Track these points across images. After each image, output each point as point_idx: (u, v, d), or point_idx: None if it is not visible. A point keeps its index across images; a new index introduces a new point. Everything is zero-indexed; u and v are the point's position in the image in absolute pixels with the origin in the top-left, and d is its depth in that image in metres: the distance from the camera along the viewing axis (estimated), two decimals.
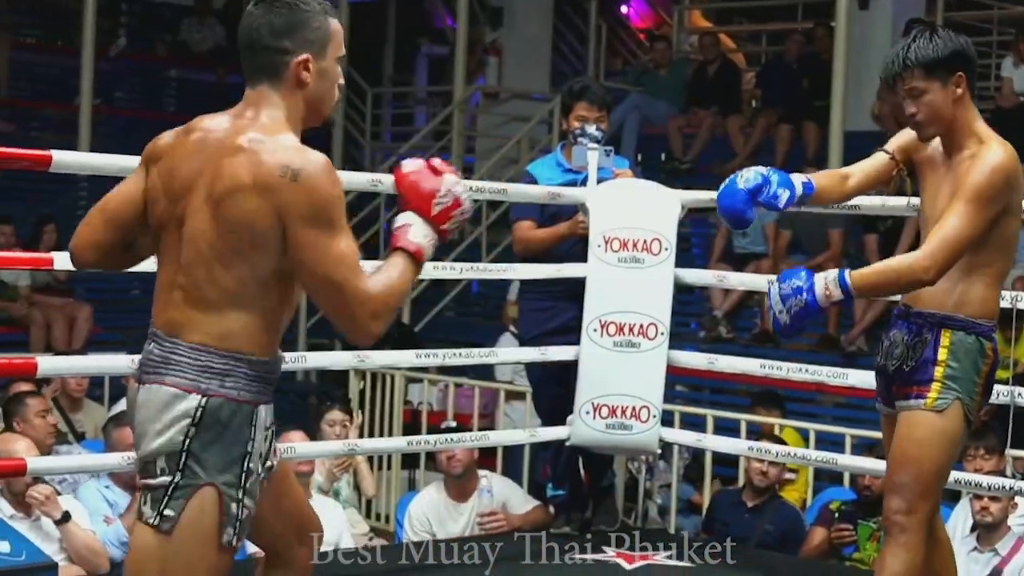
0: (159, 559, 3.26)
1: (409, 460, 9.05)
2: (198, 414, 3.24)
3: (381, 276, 3.26)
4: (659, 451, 6.56)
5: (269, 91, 3.36)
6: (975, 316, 4.24)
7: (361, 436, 8.13)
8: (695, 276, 7.16)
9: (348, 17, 14.88)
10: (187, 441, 3.23)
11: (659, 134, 13.73)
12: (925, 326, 4.27)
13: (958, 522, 6.57)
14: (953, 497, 6.75)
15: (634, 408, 6.19)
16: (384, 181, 6.01)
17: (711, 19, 17.26)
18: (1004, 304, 5.15)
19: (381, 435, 8.83)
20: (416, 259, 3.34)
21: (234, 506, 3.27)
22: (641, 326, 6.19)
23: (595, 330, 6.19)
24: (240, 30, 3.40)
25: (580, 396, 6.22)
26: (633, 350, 6.19)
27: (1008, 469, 6.59)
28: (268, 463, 3.39)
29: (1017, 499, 6.37)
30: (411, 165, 3.43)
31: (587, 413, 6.20)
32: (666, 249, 6.21)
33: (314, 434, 7.25)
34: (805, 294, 4.18)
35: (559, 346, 6.26)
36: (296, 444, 5.95)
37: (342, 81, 3.46)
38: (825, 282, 4.18)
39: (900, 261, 4.24)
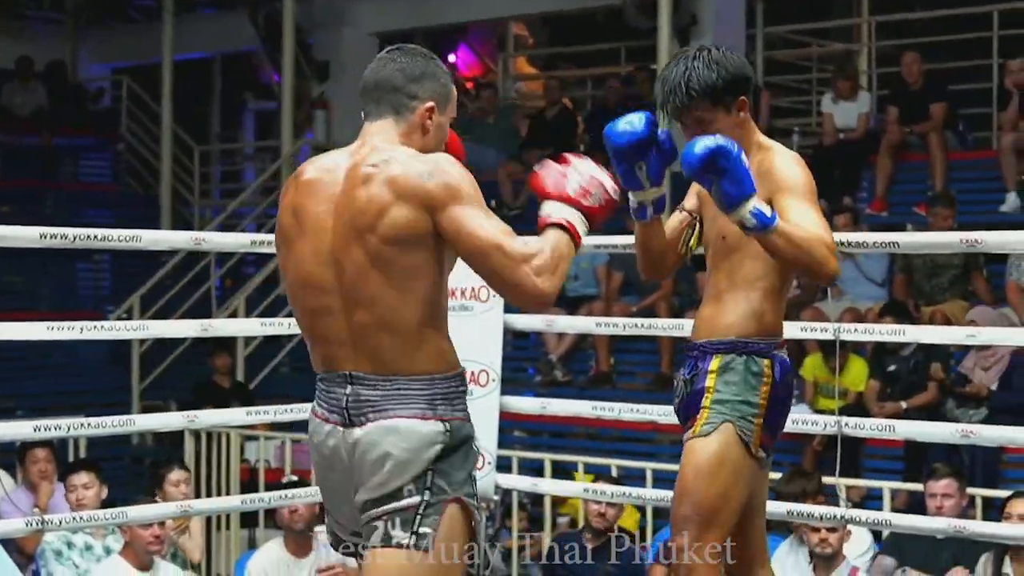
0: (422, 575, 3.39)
1: (248, 519, 8.97)
2: (446, 438, 3.39)
3: (536, 240, 3.36)
4: (497, 497, 6.56)
5: (390, 127, 3.50)
6: (746, 335, 4.03)
7: (197, 496, 8.04)
8: (525, 321, 7.15)
9: (172, 74, 14.78)
10: (435, 461, 3.37)
11: (489, 181, 13.77)
12: (699, 357, 4.09)
13: (789, 556, 6.65)
14: (784, 527, 6.83)
15: None
16: (207, 239, 5.95)
17: (537, 66, 17.40)
18: (827, 336, 5.23)
19: (219, 495, 8.74)
20: (568, 231, 3.40)
21: (477, 513, 3.44)
22: (473, 373, 6.20)
23: None
24: (369, 72, 3.56)
25: None
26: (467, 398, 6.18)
27: (841, 498, 6.69)
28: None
29: (851, 528, 6.46)
30: (541, 167, 3.53)
31: None
32: (494, 296, 6.23)
33: (154, 497, 7.15)
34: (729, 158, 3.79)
35: None
36: (129, 509, 5.86)
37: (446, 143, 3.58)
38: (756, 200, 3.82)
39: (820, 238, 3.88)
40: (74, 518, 5.61)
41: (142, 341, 12.44)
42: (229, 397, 10.93)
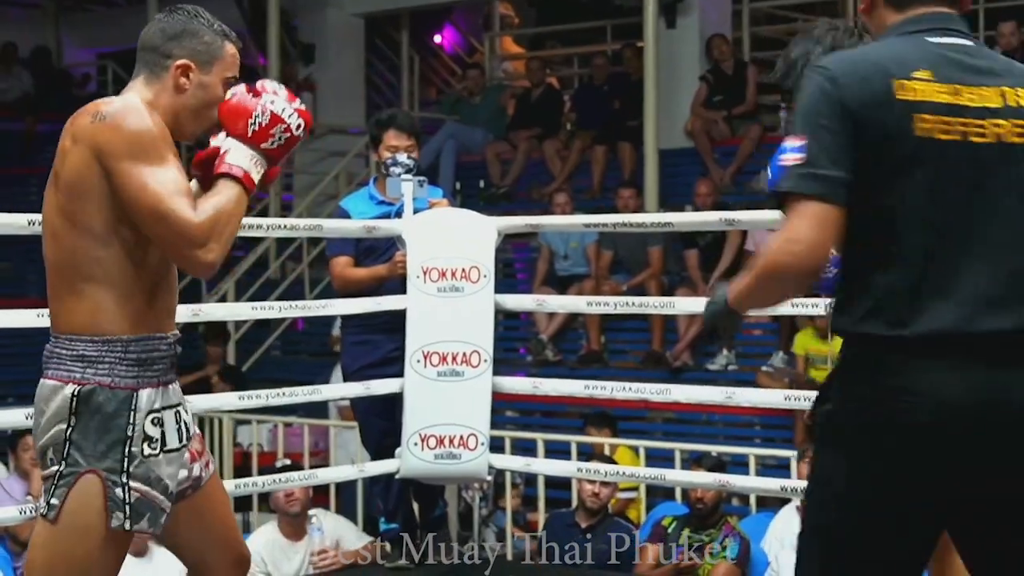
0: (44, 546, 3.33)
1: (242, 503, 8.96)
2: (73, 403, 3.29)
3: (204, 206, 3.27)
4: (490, 478, 6.56)
5: (140, 85, 3.44)
6: None
7: None
8: (516, 302, 7.19)
9: None
10: (69, 430, 3.28)
11: (477, 161, 13.78)
12: None
13: (785, 528, 6.66)
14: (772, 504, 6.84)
15: (461, 437, 6.18)
16: None
17: (523, 45, 17.38)
18: (819, 311, 5.22)
19: None
20: (243, 183, 3.34)
21: (119, 491, 3.28)
22: (464, 354, 6.19)
23: (418, 361, 6.18)
24: (141, 33, 3.50)
25: (407, 428, 6.19)
26: (457, 379, 6.18)
27: None
28: (173, 446, 3.39)
29: None
30: (232, 90, 3.45)
31: (415, 445, 6.18)
32: (485, 276, 6.22)
33: None
34: None
35: (383, 379, 6.24)
36: None
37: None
38: None
39: None
40: None
41: None
42: (221, 381, 10.95)
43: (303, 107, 3.47)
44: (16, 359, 12.45)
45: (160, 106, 3.40)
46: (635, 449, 8.08)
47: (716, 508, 7.08)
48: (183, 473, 3.48)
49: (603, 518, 7.16)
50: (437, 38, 17.68)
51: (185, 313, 6.26)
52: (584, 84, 14.68)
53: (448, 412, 6.19)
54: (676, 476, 6.52)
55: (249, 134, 3.37)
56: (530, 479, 8.13)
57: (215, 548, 3.61)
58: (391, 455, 6.28)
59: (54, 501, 3.30)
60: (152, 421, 3.35)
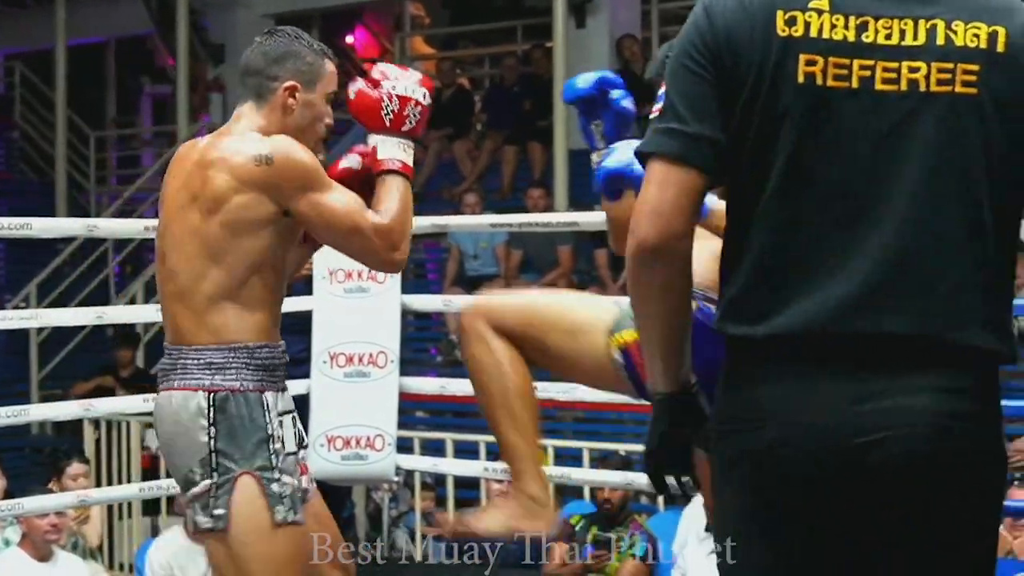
0: (227, 557, 3.41)
1: (150, 506, 8.91)
2: (210, 411, 3.37)
3: (385, 207, 3.46)
4: (397, 479, 6.57)
5: (251, 112, 3.55)
6: None
7: (98, 485, 7.98)
8: (422, 302, 7.18)
9: (65, 59, 14.62)
10: (212, 441, 3.37)
11: None
12: None
13: (692, 525, 6.70)
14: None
15: (368, 438, 6.19)
16: (99, 226, 5.90)
17: (435, 46, 17.36)
18: None
19: (120, 483, 8.67)
20: (402, 173, 3.52)
21: (275, 486, 3.40)
22: (371, 355, 6.20)
23: (324, 362, 6.18)
24: (242, 58, 3.64)
25: (313, 429, 6.19)
26: (364, 379, 6.18)
27: None
28: (299, 445, 3.53)
29: None
30: (352, 88, 3.59)
31: (321, 446, 6.18)
32: (391, 276, 6.22)
33: (51, 487, 7.11)
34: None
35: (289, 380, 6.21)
36: (25, 500, 5.81)
37: (330, 122, 3.61)
38: None
39: None
40: None
41: (40, 330, 12.32)
42: (127, 384, 10.88)
43: (420, 75, 3.62)
44: None
45: (271, 127, 3.53)
46: (544, 448, 8.10)
47: (624, 506, 7.11)
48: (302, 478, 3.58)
49: None
50: (349, 39, 17.63)
51: (89, 315, 6.24)
52: (495, 85, 14.68)
53: (355, 413, 6.19)
54: (583, 475, 6.54)
55: (388, 124, 3.53)
56: (441, 479, 8.13)
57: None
58: None
59: (219, 512, 3.39)
60: (281, 423, 3.48)
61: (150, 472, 8.99)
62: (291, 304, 6.16)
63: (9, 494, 7.06)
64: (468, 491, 8.27)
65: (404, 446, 6.51)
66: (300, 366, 6.25)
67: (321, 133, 3.62)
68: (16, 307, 12.49)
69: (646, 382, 2.55)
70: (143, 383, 10.92)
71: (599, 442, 7.96)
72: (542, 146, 12.33)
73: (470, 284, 10.98)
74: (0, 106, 16.73)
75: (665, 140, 2.36)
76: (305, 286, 6.23)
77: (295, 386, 6.15)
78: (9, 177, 16.23)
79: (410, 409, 9.75)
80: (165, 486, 6.40)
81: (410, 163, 3.55)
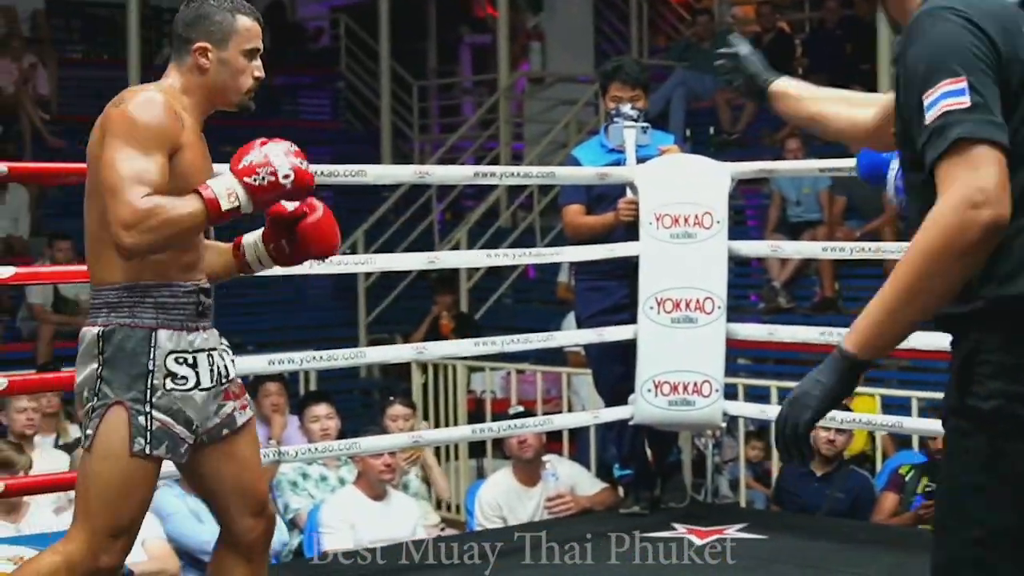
0: (83, 473, 3.66)
1: (476, 449, 9.07)
2: (100, 343, 3.63)
3: (159, 199, 3.48)
4: (724, 425, 6.54)
5: (172, 70, 3.77)
6: None
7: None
8: (749, 248, 7.14)
9: (388, 11, 14.90)
10: (98, 368, 3.63)
11: (707, 108, 13.68)
12: None
13: None
14: None
15: (695, 383, 6.17)
16: (431, 172, 6.01)
17: None
18: None
19: (446, 426, 8.84)
20: (207, 203, 3.51)
21: (142, 419, 3.61)
22: (697, 301, 6.17)
23: (651, 307, 6.18)
24: None
25: (640, 374, 6.20)
26: (691, 325, 6.17)
27: None
28: (207, 385, 3.71)
29: None
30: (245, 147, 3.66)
31: (648, 391, 6.19)
32: (718, 222, 6.18)
33: (384, 428, 7.29)
34: None
35: (616, 326, 6.25)
36: (360, 439, 5.96)
37: (259, 73, 3.78)
38: None
39: None
40: (308, 450, 5.72)
41: (367, 276, 12.62)
42: (456, 330, 11.07)
43: (304, 166, 3.60)
44: (253, 308, 12.74)
45: (192, 86, 3.74)
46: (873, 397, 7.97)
47: None
48: (218, 410, 3.79)
49: (838, 466, 7.09)
50: None
51: (421, 260, 6.36)
52: (815, 28, 14.46)
53: (682, 359, 6.18)
54: (913, 424, 6.42)
55: (239, 166, 3.55)
56: (764, 427, 8.08)
57: (239, 495, 3.87)
58: (625, 402, 6.30)
59: (88, 432, 3.64)
60: (176, 360, 3.66)
61: (476, 415, 9.15)
62: (617, 250, 6.20)
63: (342, 435, 7.25)
64: None
65: (729, 393, 6.47)
66: (624, 311, 6.28)
67: (244, 87, 3.77)
68: (344, 253, 12.79)
69: (847, 335, 2.65)
70: (469, 326, 11.13)
71: (928, 391, 7.79)
72: (865, 90, 12.06)
73: (792, 230, 10.87)
74: (326, 57, 17.15)
75: (992, 128, 2.52)
76: (629, 232, 6.24)
77: (622, 332, 6.20)
78: (336, 126, 16.63)
79: (732, 356, 9.70)
80: (494, 429, 6.51)
81: (223, 206, 3.51)
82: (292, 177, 3.56)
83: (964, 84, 2.55)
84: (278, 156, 3.56)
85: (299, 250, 3.88)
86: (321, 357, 5.44)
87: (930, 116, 2.56)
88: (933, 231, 2.50)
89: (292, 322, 12.80)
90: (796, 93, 3.52)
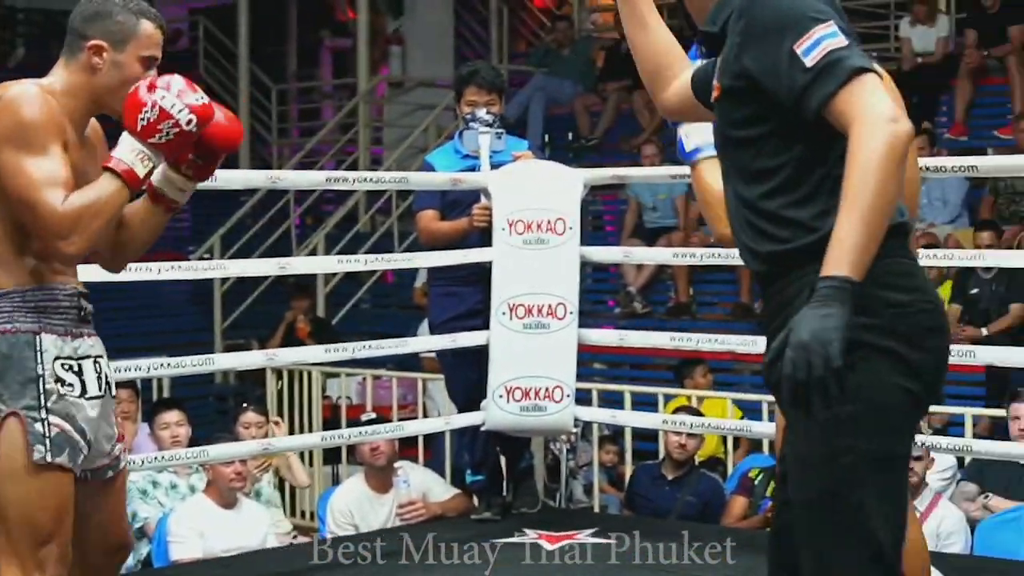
0: None
1: (331, 455, 9.03)
2: None
3: (77, 196, 3.34)
4: (575, 430, 6.57)
5: (60, 67, 3.53)
6: None
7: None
8: (602, 254, 7.18)
9: (248, 14, 14.80)
10: None
11: (565, 114, 13.74)
12: None
13: None
14: None
15: (547, 389, 6.19)
16: (283, 177, 5.97)
17: None
18: None
19: (301, 432, 8.79)
20: (124, 178, 3.38)
21: (39, 426, 3.39)
22: (550, 306, 6.19)
23: (504, 313, 6.19)
24: None
25: (493, 380, 6.21)
26: (543, 331, 6.19)
27: (923, 425, 6.64)
28: (95, 393, 3.51)
29: (933, 455, 6.42)
30: (136, 84, 3.46)
31: (500, 397, 6.20)
32: (570, 228, 6.21)
33: (236, 435, 7.22)
34: None
35: (469, 331, 6.25)
36: (210, 447, 5.91)
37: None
38: None
39: None
40: (156, 457, 5.66)
41: (223, 281, 12.52)
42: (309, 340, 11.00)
43: (200, 101, 3.45)
44: (109, 313, 12.54)
45: (77, 86, 3.50)
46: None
47: None
48: (112, 448, 3.59)
49: (690, 470, 7.15)
50: None
51: (271, 266, 6.32)
52: (675, 35, 14.56)
53: (533, 364, 6.20)
54: (763, 428, 6.49)
55: (138, 128, 3.40)
56: (619, 432, 8.12)
57: (101, 535, 3.67)
58: (478, 407, 6.30)
59: None
60: (63, 366, 3.46)
61: (331, 421, 9.11)
62: (471, 255, 6.20)
63: (194, 442, 7.18)
64: (647, 443, 8.25)
65: (582, 398, 6.50)
66: (478, 317, 6.28)
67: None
68: (200, 258, 12.68)
69: (832, 265, 2.65)
70: (325, 332, 11.07)
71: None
72: None
73: (649, 236, 10.95)
74: (184, 60, 16.97)
75: (869, 60, 2.72)
76: (483, 238, 6.25)
77: (475, 337, 6.20)
78: None
79: (587, 361, 9.75)
80: (346, 435, 6.48)
81: (139, 173, 3.40)
82: (195, 120, 3.41)
83: (834, 26, 2.73)
84: (172, 103, 3.39)
85: (211, 156, 3.60)
86: (170, 364, 5.39)
87: (811, 58, 2.71)
88: (874, 143, 2.64)
89: (149, 327, 12.64)
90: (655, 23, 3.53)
